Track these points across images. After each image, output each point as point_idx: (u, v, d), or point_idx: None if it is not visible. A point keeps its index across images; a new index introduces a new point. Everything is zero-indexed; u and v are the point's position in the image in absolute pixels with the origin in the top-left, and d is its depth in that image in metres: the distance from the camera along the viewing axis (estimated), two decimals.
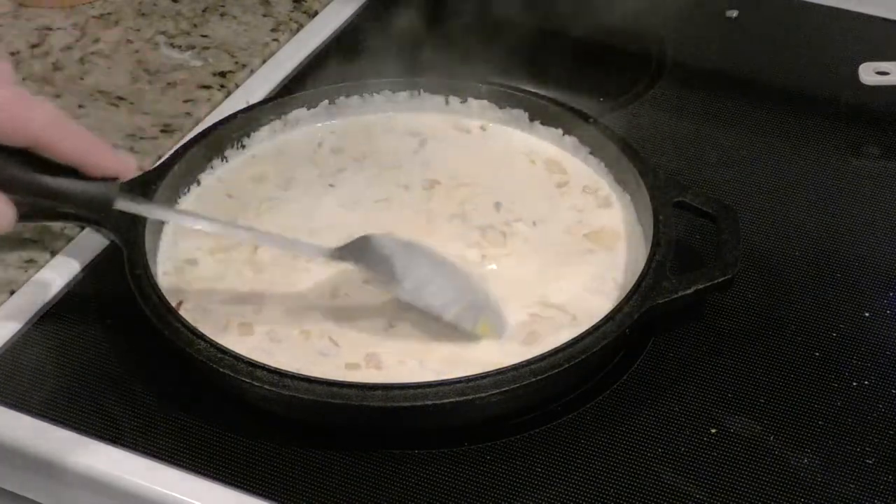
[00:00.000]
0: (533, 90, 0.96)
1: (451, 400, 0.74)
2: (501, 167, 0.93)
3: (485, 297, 0.82)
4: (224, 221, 0.85)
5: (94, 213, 0.76)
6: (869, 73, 1.01)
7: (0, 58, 0.95)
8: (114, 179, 0.73)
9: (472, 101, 0.97)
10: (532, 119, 0.95)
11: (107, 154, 0.72)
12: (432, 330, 0.80)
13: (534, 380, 0.75)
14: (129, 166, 0.73)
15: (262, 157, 0.94)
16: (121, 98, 1.02)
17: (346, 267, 0.82)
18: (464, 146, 0.95)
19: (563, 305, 0.83)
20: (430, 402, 0.74)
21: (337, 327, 0.81)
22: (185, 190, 0.90)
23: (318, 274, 0.84)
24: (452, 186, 0.92)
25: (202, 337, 0.77)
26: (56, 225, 0.89)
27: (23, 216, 0.86)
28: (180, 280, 0.85)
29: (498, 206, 0.90)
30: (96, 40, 1.08)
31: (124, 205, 0.75)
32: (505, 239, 0.88)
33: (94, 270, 0.88)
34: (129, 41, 1.08)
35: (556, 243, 0.87)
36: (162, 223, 0.87)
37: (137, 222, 0.84)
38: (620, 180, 0.91)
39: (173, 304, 0.80)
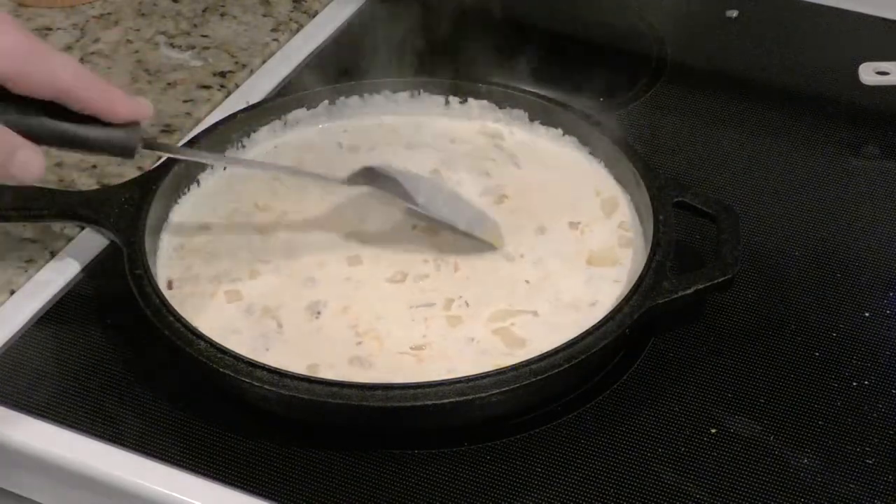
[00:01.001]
0: (533, 90, 0.96)
1: (451, 400, 0.74)
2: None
3: (481, 212, 0.88)
4: (238, 158, 0.91)
5: (121, 155, 0.78)
6: (869, 73, 1.01)
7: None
8: (135, 125, 0.77)
9: (472, 101, 0.97)
10: (532, 119, 0.95)
11: (125, 100, 0.76)
12: None
13: (534, 380, 0.75)
14: (147, 110, 0.77)
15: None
16: None
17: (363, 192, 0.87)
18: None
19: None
20: (430, 402, 0.74)
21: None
22: (185, 190, 0.90)
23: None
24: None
25: (202, 337, 0.77)
26: (56, 225, 0.89)
27: (23, 217, 0.87)
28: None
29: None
30: (96, 40, 1.08)
31: (146, 147, 0.79)
32: None
33: (94, 270, 0.88)
34: (129, 41, 1.08)
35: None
36: (164, 219, 0.87)
37: (137, 222, 0.84)
38: (620, 180, 0.90)
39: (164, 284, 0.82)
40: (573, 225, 0.88)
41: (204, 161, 0.89)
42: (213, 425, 0.78)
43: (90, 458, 0.76)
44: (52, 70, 0.72)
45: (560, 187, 0.91)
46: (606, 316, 0.78)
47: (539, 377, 0.75)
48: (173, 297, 0.81)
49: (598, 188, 0.91)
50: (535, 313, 0.82)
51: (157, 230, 0.87)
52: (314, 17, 1.13)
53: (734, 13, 1.13)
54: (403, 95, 0.97)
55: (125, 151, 0.77)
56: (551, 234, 0.88)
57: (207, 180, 0.92)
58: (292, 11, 1.12)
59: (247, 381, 0.75)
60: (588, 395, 0.79)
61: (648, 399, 0.80)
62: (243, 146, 0.94)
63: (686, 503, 0.74)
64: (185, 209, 0.90)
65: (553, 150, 0.94)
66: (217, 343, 0.76)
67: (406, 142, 0.95)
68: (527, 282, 0.84)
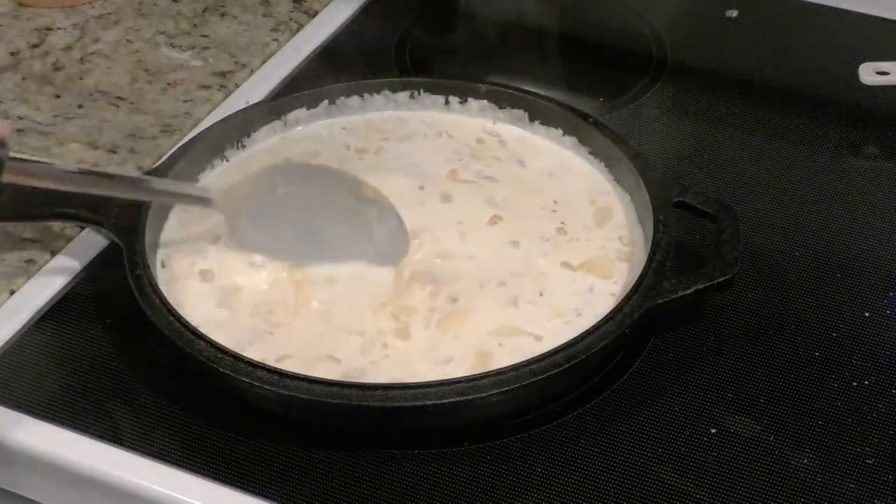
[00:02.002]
0: (533, 90, 0.96)
1: (451, 400, 0.74)
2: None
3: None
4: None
5: None
6: (869, 73, 1.01)
7: None
8: None
9: (472, 101, 0.97)
10: (532, 119, 0.95)
11: None
12: None
13: (534, 380, 0.75)
14: (6, 128, 0.74)
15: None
16: (121, 98, 1.02)
17: None
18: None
19: None
20: (430, 402, 0.74)
21: None
22: None
23: None
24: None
25: (202, 337, 0.77)
26: (56, 225, 0.89)
27: (23, 216, 0.87)
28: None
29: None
30: (96, 40, 1.08)
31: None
32: None
33: (94, 270, 0.88)
34: (129, 41, 1.08)
35: None
36: (164, 219, 0.87)
37: (137, 222, 0.84)
38: (620, 180, 0.90)
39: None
40: (560, 230, 0.88)
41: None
42: (213, 425, 0.78)
43: (90, 458, 0.76)
44: None
45: (555, 192, 0.91)
46: (606, 316, 0.78)
47: (539, 377, 0.75)
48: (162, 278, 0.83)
49: (594, 195, 0.90)
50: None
51: (158, 229, 0.87)
52: (314, 17, 1.12)
53: (734, 13, 1.13)
54: (403, 95, 0.97)
55: None
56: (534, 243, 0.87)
57: (207, 180, 0.91)
58: (292, 11, 1.12)
59: (247, 381, 0.75)
60: (588, 395, 0.80)
61: (648, 399, 0.80)
62: (243, 146, 0.94)
63: (686, 503, 0.74)
64: (185, 209, 0.90)
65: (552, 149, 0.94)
66: (217, 343, 0.76)
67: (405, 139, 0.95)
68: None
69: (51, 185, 0.80)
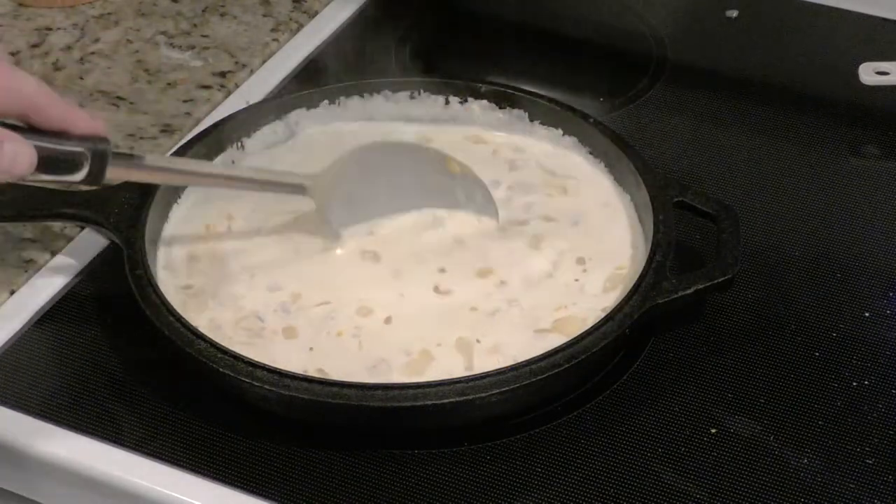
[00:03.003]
0: (533, 90, 0.96)
1: (451, 400, 0.74)
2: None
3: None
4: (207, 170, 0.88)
5: (73, 172, 0.75)
6: (869, 73, 1.01)
7: None
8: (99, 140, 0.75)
9: (472, 102, 0.96)
10: (532, 119, 0.95)
11: (85, 116, 0.75)
12: None
13: (534, 380, 0.75)
14: (103, 126, 0.76)
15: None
16: (121, 98, 1.02)
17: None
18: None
19: None
20: (430, 402, 0.74)
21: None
22: (185, 190, 0.90)
23: None
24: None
25: (202, 337, 0.77)
26: (56, 225, 0.89)
27: (23, 216, 0.87)
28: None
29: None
30: (96, 40, 1.08)
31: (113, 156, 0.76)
32: None
33: (94, 270, 0.88)
34: (129, 41, 1.08)
35: None
36: (164, 219, 0.87)
37: (137, 222, 0.84)
38: (620, 180, 0.90)
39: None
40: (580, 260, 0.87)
41: (172, 180, 0.87)
42: (213, 425, 0.78)
43: (90, 458, 0.76)
44: (20, 87, 0.72)
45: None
46: (606, 316, 0.78)
47: (539, 377, 0.75)
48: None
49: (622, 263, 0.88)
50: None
51: (158, 230, 0.87)
52: (314, 17, 1.13)
53: (734, 13, 1.13)
54: (403, 95, 0.97)
55: (77, 166, 0.74)
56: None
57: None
58: (292, 11, 1.12)
59: (247, 381, 0.75)
60: (588, 395, 0.79)
61: (648, 399, 0.80)
62: (243, 146, 0.94)
63: (686, 503, 0.74)
64: (185, 209, 0.90)
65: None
66: (217, 343, 0.76)
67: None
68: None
69: (148, 179, 0.83)
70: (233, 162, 0.93)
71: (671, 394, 0.80)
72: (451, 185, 0.88)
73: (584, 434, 0.78)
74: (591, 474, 0.75)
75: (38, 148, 0.72)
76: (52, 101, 0.73)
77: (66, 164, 0.74)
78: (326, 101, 0.96)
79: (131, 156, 0.80)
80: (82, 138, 0.74)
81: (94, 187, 0.76)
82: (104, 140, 0.75)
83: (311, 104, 0.96)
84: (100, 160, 0.74)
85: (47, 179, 0.74)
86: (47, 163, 0.72)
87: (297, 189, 0.85)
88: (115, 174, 0.76)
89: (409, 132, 0.95)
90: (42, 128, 0.73)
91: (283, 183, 0.86)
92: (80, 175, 0.74)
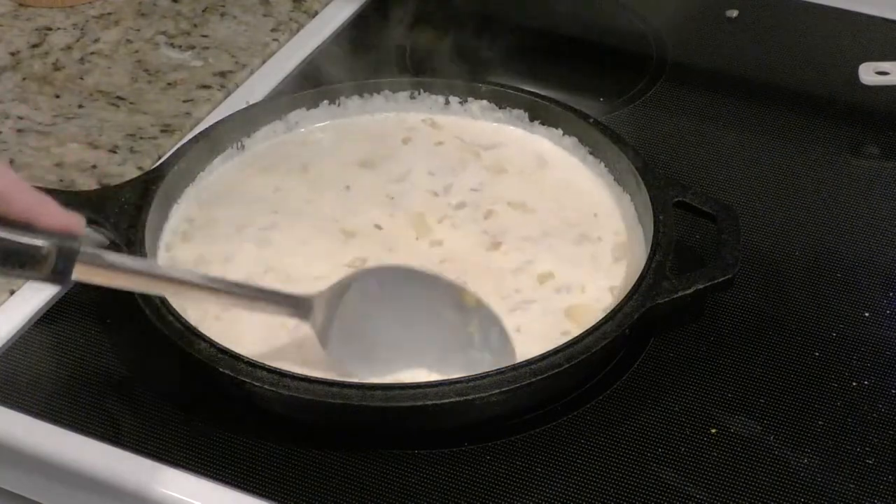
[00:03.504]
0: (533, 90, 0.96)
1: (451, 400, 0.74)
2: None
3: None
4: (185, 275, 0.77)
5: (35, 270, 0.67)
6: (869, 73, 1.01)
7: None
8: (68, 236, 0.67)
9: (472, 101, 0.97)
10: (532, 119, 0.95)
11: (58, 210, 0.67)
12: None
13: (534, 380, 0.75)
14: (79, 222, 0.68)
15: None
16: (121, 98, 1.02)
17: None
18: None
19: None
20: (430, 402, 0.74)
21: None
22: (185, 190, 0.90)
23: None
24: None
25: (202, 337, 0.77)
26: None
27: None
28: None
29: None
30: (96, 40, 1.08)
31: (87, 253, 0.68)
32: None
33: None
34: (129, 41, 1.08)
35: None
36: (164, 219, 0.87)
37: (137, 222, 0.84)
38: (620, 180, 0.90)
39: None
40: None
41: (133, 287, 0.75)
42: (213, 425, 0.78)
43: (90, 458, 0.76)
44: None
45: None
46: (606, 316, 0.78)
47: (539, 377, 0.75)
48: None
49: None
50: None
51: (158, 230, 0.87)
52: (314, 17, 1.13)
53: (734, 13, 1.13)
54: (403, 95, 0.97)
55: (37, 263, 0.66)
56: None
57: (208, 179, 0.91)
58: (292, 11, 1.12)
59: (247, 381, 0.75)
60: (588, 395, 0.79)
61: (648, 399, 0.80)
62: (243, 146, 0.94)
63: (686, 503, 0.74)
64: (185, 209, 0.90)
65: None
66: (217, 343, 0.76)
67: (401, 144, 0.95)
68: None
69: (123, 285, 0.72)
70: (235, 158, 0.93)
71: (671, 394, 0.80)
72: (465, 320, 0.79)
73: (584, 434, 0.77)
74: (591, 474, 0.75)
75: None
76: (20, 189, 0.65)
77: (26, 258, 0.65)
78: (326, 101, 0.96)
79: (104, 256, 0.69)
80: (50, 232, 0.66)
81: (58, 285, 0.70)
82: (73, 236, 0.67)
83: (311, 104, 0.96)
84: (66, 258, 0.66)
85: (6, 272, 0.66)
86: (4, 255, 0.65)
87: (293, 312, 0.77)
88: (85, 275, 0.68)
89: (415, 119, 0.96)
90: (4, 217, 0.65)
91: (276, 304, 0.77)
92: (42, 272, 0.66)
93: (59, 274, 0.66)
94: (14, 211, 0.65)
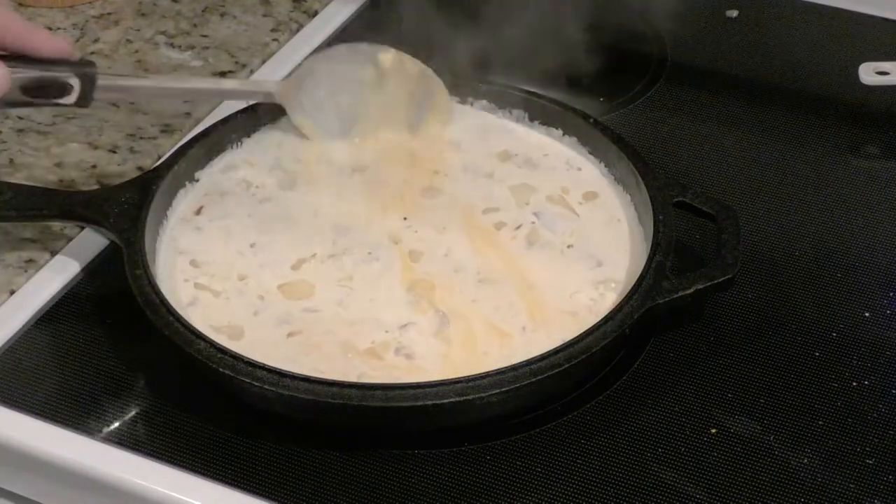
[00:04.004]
0: (533, 90, 0.96)
1: (451, 400, 0.74)
2: None
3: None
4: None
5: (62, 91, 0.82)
6: (869, 73, 1.01)
7: None
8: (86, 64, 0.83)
9: (472, 101, 0.97)
10: (532, 119, 0.95)
11: (47, 35, 0.81)
12: None
13: (534, 380, 0.75)
14: (69, 44, 0.82)
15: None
16: None
17: None
18: None
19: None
20: (430, 402, 0.74)
21: None
22: (185, 189, 0.90)
23: None
24: None
25: (202, 337, 0.77)
26: (56, 225, 0.89)
27: (23, 217, 0.87)
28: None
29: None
30: (96, 40, 1.08)
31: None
32: None
33: (94, 270, 0.88)
34: (129, 41, 1.08)
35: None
36: (164, 219, 0.87)
37: (137, 222, 0.84)
38: (620, 180, 0.90)
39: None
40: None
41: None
42: (214, 425, 0.78)
43: (90, 458, 0.76)
44: None
45: None
46: (606, 316, 0.78)
47: (539, 377, 0.75)
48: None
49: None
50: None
51: (158, 230, 0.87)
52: (314, 17, 1.13)
53: (734, 13, 1.13)
54: None
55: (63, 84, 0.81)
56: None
57: (208, 178, 0.91)
58: (292, 11, 1.12)
59: (247, 381, 0.75)
60: (588, 395, 0.80)
61: (648, 399, 0.80)
62: (243, 146, 0.94)
63: (686, 503, 0.74)
64: (185, 209, 0.89)
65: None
66: (217, 343, 0.76)
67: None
68: None
69: (135, 98, 0.95)
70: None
71: (671, 394, 0.80)
72: (388, 80, 0.93)
73: (584, 434, 0.77)
74: (591, 474, 0.75)
75: (27, 78, 0.79)
76: (11, 18, 0.77)
77: (58, 89, 0.81)
78: None
79: (117, 80, 0.87)
80: (70, 64, 0.81)
81: (84, 107, 0.83)
82: (90, 63, 0.83)
83: None
84: (89, 84, 0.82)
85: (41, 103, 0.82)
86: (38, 88, 0.80)
87: (266, 96, 0.91)
88: (104, 94, 0.84)
89: None
90: (29, 56, 0.79)
91: (251, 91, 0.93)
92: (71, 98, 0.82)
93: (83, 98, 0.82)
94: (9, 39, 0.78)
